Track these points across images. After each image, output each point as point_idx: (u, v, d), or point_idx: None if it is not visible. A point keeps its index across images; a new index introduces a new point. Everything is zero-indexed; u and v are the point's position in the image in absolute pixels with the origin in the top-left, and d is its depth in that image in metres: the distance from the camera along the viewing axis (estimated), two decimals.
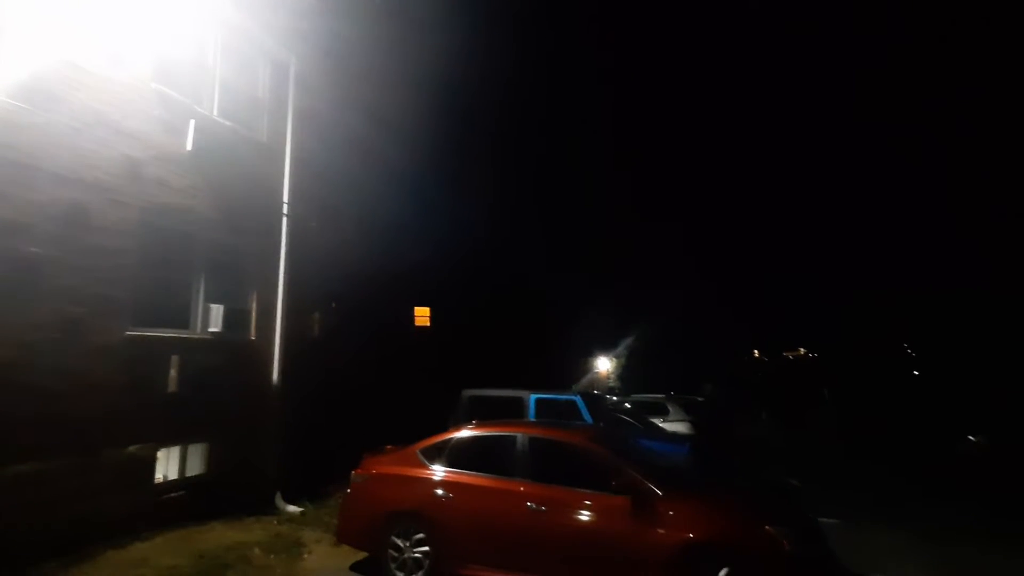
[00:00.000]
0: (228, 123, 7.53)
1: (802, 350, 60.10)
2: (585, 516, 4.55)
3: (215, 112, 7.39)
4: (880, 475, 11.84)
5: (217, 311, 7.09)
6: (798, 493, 8.55)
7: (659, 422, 11.63)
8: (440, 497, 5.09)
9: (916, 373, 46.23)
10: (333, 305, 11.38)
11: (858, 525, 7.14)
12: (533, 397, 8.91)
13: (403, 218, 13.85)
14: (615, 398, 15.92)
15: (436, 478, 5.22)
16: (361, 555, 5.57)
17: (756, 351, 55.28)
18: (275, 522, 6.80)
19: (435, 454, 5.41)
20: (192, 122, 6.88)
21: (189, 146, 6.83)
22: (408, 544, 5.12)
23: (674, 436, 10.12)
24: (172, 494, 6.59)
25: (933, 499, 9.36)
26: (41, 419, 5.29)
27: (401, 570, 5.08)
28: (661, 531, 4.29)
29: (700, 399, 16.21)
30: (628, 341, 30.81)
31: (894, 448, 16.60)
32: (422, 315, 15.17)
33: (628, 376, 29.45)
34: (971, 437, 16.72)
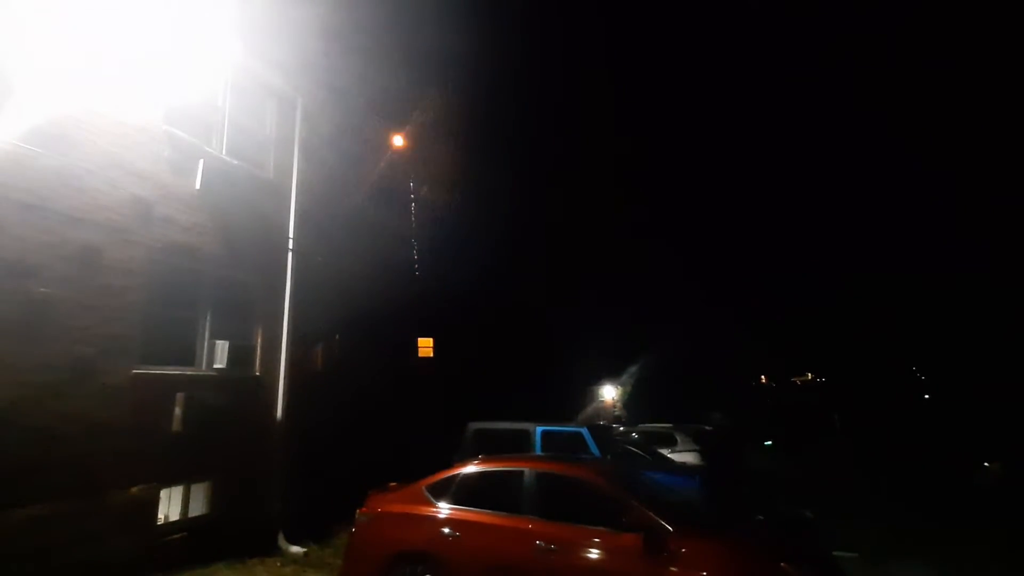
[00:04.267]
0: (236, 161, 7.68)
1: (810, 375, 59.43)
2: (595, 555, 4.44)
3: (224, 151, 7.55)
4: (896, 505, 11.55)
5: (223, 347, 7.10)
6: (813, 526, 8.35)
7: (667, 453, 11.43)
8: (447, 536, 4.99)
9: (927, 397, 45.63)
10: (336, 338, 11.39)
11: (877, 559, 6.95)
12: (539, 429, 8.80)
13: (408, 250, 13.97)
14: (621, 428, 15.69)
15: (442, 516, 5.12)
16: None
17: (763, 377, 54.67)
18: (278, 564, 6.66)
19: (441, 491, 5.32)
20: (201, 162, 7.03)
21: (198, 185, 6.97)
22: None
23: (684, 468, 9.93)
24: (175, 535, 6.48)
25: (952, 529, 9.11)
26: (47, 460, 5.26)
27: None
28: (674, 570, 4.17)
29: (708, 428, 15.94)
30: (633, 369, 30.54)
31: (908, 476, 16.24)
32: (425, 346, 15.16)
33: (634, 405, 29.10)
34: (986, 464, 16.38)
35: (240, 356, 7.31)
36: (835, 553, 5.36)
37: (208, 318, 7.20)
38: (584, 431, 8.75)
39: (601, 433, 9.30)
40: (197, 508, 6.90)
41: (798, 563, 4.23)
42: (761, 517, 5.72)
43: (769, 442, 22.18)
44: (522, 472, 5.13)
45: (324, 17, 9.00)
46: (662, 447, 11.73)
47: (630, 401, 29.87)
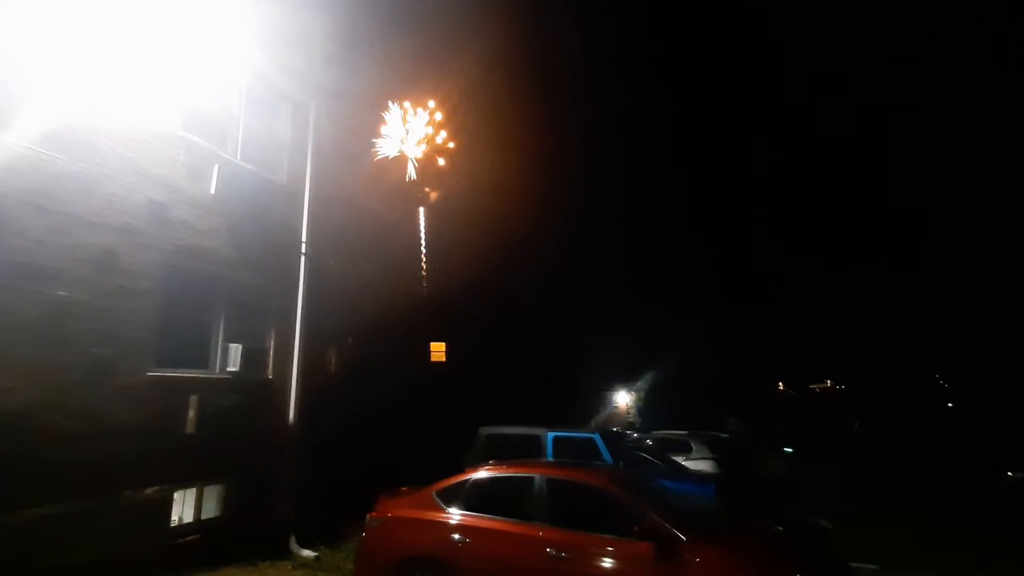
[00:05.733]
0: (250, 166, 7.76)
1: (829, 382, 58.41)
2: (607, 564, 4.38)
3: (238, 156, 7.63)
4: (916, 514, 11.26)
5: (236, 350, 7.15)
6: (831, 536, 8.16)
7: (681, 460, 11.27)
8: (457, 542, 4.95)
9: (950, 405, 44.65)
10: (349, 341, 11.45)
11: (897, 570, 6.76)
12: (551, 435, 8.72)
13: (419, 253, 14.01)
14: (635, 434, 15.54)
15: (453, 522, 5.09)
16: None
17: (780, 384, 53.80)
18: (289, 567, 6.67)
19: (452, 496, 5.29)
20: (216, 167, 7.10)
21: (213, 190, 7.04)
22: None
23: (698, 476, 9.79)
24: (187, 537, 6.52)
25: (975, 540, 8.85)
26: (64, 461, 5.33)
27: None
28: None
29: (724, 435, 15.71)
30: (648, 374, 30.25)
31: (930, 484, 15.84)
32: (438, 350, 15.14)
33: (648, 411, 28.81)
34: (1010, 473, 15.96)
35: (253, 359, 7.35)
36: (853, 564, 5.23)
37: (222, 321, 7.27)
38: (596, 437, 8.66)
39: (614, 439, 9.20)
40: (210, 510, 6.95)
41: (815, 574, 4.12)
42: (779, 527, 5.59)
43: (789, 449, 21.80)
44: (533, 478, 5.09)
45: (339, 23, 9.10)
46: (676, 454, 11.57)
47: (644, 407, 29.59)
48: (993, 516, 11.24)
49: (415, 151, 13.10)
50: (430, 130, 12.69)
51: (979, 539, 9.07)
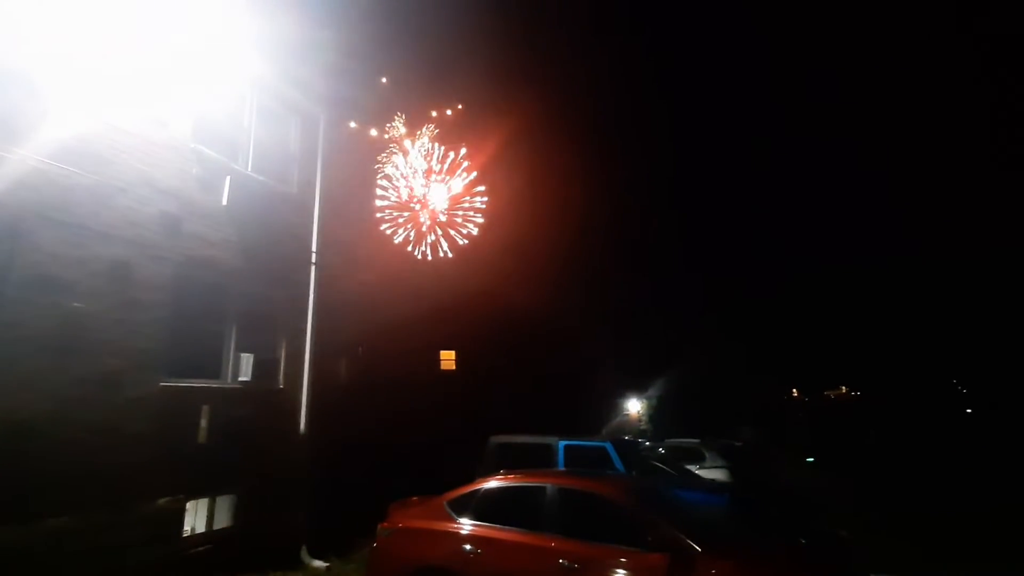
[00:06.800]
0: (261, 177, 7.84)
1: (844, 388, 57.61)
2: None
3: (249, 168, 7.71)
4: (936, 524, 11.00)
5: (247, 360, 7.19)
6: (848, 546, 7.99)
7: (695, 469, 11.13)
8: (468, 553, 4.90)
9: (969, 411, 43.83)
10: (359, 350, 11.47)
11: None
12: (562, 444, 8.65)
13: (430, 263, 14.03)
14: (647, 443, 15.37)
15: (463, 532, 5.04)
16: None
17: (795, 390, 53.08)
18: None
19: (462, 506, 5.25)
20: (228, 178, 7.18)
21: (224, 201, 7.12)
22: None
23: (712, 484, 9.64)
24: (199, 548, 6.52)
25: (996, 552, 8.61)
26: (78, 472, 5.36)
27: None
28: None
29: (738, 443, 15.50)
30: (660, 381, 29.98)
31: (949, 493, 15.50)
32: (447, 359, 15.14)
33: (660, 419, 28.53)
34: None
35: (264, 369, 7.39)
36: (872, 575, 5.11)
37: (233, 331, 7.31)
38: (608, 446, 8.57)
39: (626, 448, 9.09)
40: (222, 520, 6.95)
41: None
42: (796, 537, 5.47)
43: (811, 459, 21.48)
44: (544, 488, 5.03)
45: (349, 37, 9.19)
46: (690, 463, 11.43)
47: (656, 415, 29.30)
48: (1015, 525, 10.94)
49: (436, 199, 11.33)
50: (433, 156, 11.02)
51: (1003, 546, 8.83)
